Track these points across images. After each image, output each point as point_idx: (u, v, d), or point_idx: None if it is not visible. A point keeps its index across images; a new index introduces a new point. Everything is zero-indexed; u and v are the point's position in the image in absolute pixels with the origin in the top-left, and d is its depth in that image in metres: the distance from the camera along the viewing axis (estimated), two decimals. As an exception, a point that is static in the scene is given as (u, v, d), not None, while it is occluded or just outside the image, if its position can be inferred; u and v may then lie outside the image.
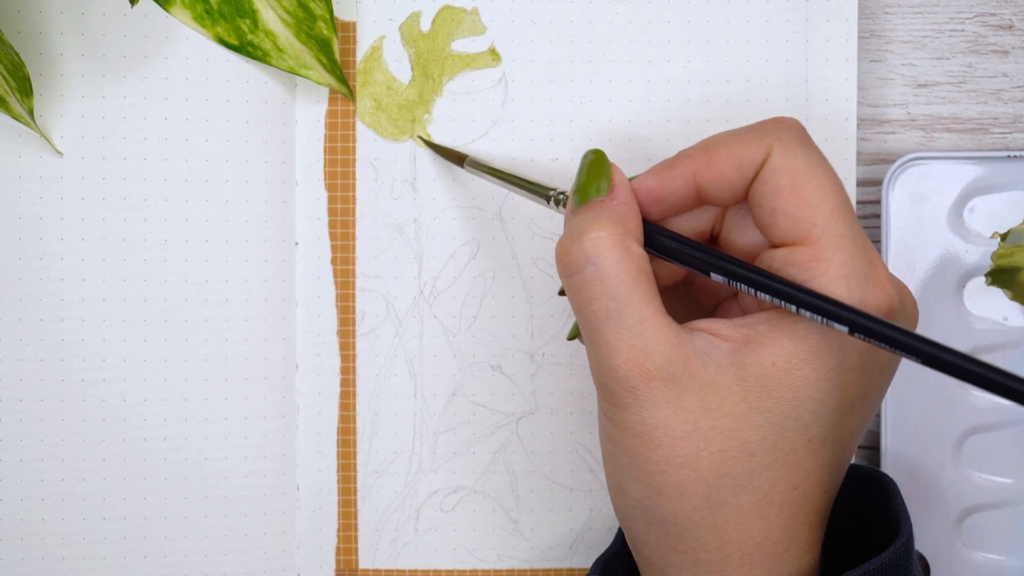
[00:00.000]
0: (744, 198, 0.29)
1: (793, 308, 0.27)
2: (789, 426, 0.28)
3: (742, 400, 0.27)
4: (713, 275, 0.29)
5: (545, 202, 0.33)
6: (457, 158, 0.38)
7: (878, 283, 0.27)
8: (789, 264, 0.28)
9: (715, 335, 0.28)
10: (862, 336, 0.26)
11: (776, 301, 0.27)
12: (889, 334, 0.26)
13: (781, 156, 0.28)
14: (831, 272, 0.27)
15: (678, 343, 0.28)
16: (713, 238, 0.31)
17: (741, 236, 0.30)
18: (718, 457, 0.28)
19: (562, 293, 0.34)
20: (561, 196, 0.32)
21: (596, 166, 0.30)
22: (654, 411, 0.27)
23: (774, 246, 0.29)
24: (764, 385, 0.27)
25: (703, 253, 0.29)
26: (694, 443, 0.27)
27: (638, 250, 0.28)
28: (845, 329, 0.26)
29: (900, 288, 0.29)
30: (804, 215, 0.27)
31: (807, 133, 0.29)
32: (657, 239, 0.29)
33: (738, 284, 0.28)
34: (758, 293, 0.28)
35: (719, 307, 0.32)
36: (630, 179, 0.30)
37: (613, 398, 0.28)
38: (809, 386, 0.27)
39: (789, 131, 0.29)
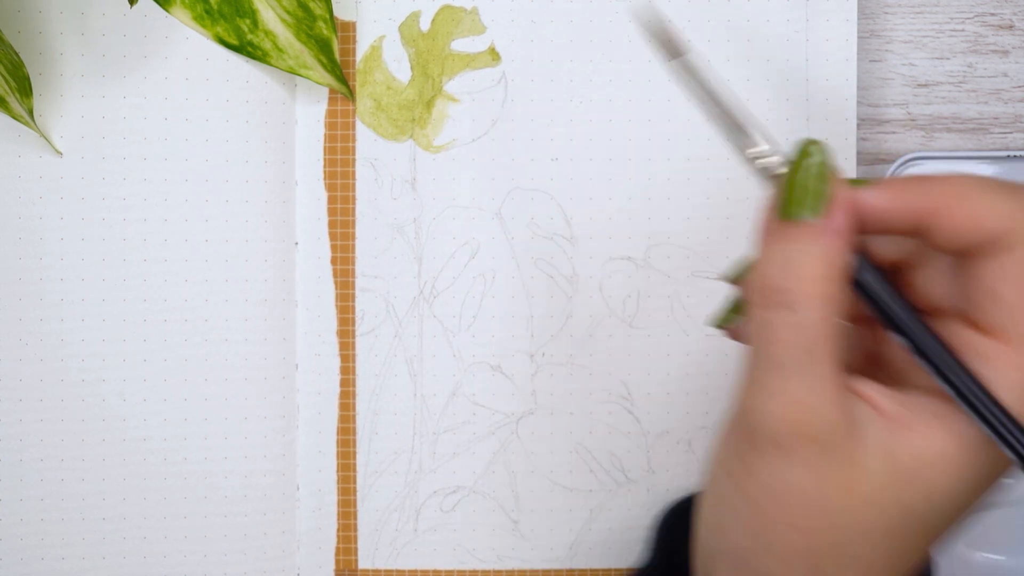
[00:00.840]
0: (955, 254, 0.27)
1: (978, 422, 0.26)
2: (915, 525, 0.27)
3: (880, 488, 0.26)
4: (896, 337, 0.27)
5: (739, 153, 0.29)
6: (672, 50, 0.30)
7: None
8: (976, 353, 0.26)
9: (875, 407, 0.27)
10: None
11: (956, 400, 0.26)
12: None
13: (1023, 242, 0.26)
14: (1011, 379, 0.26)
15: (844, 411, 0.26)
16: (894, 266, 0.29)
17: (927, 282, 0.28)
18: (838, 534, 0.27)
19: (722, 325, 0.30)
20: (761, 161, 0.28)
21: (819, 173, 0.27)
22: (793, 471, 0.26)
23: (966, 322, 0.27)
24: (907, 479, 0.26)
25: (903, 316, 0.27)
26: (819, 516, 0.26)
27: (843, 297, 0.26)
28: (1017, 461, 0.25)
29: None
30: (1017, 312, 0.26)
31: None
32: (862, 277, 0.27)
33: (921, 360, 0.27)
34: (944, 385, 0.26)
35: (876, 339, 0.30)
36: (852, 182, 0.27)
37: (755, 441, 0.27)
38: (949, 490, 0.26)
39: None
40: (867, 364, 0.29)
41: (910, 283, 0.29)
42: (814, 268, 0.26)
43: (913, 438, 0.26)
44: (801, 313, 0.26)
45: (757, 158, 0.28)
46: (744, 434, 0.27)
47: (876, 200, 0.27)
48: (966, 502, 0.27)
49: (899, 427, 0.26)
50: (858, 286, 0.27)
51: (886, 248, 0.29)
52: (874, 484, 0.26)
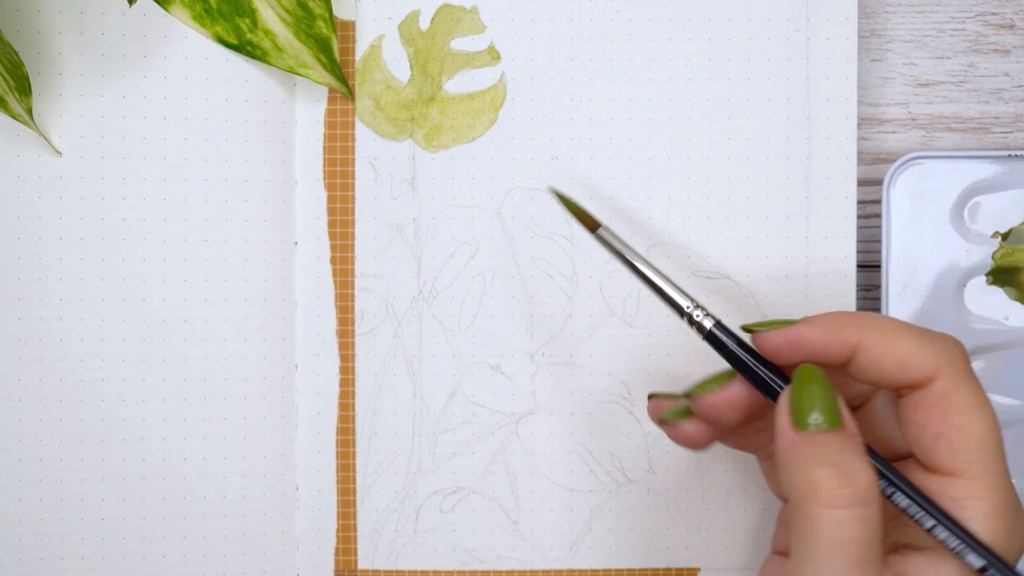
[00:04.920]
0: (880, 391, 0.30)
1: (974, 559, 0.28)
2: None
3: None
4: (898, 502, 0.29)
5: (679, 315, 0.32)
6: (591, 224, 0.34)
7: (1022, 524, 0.29)
8: (945, 496, 0.29)
9: None
10: None
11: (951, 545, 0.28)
12: None
13: (953, 384, 0.29)
14: (985, 511, 0.28)
15: None
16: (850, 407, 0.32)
17: (880, 428, 0.31)
18: None
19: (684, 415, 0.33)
20: (699, 315, 0.31)
21: (820, 387, 0.29)
22: None
23: (924, 467, 0.29)
24: None
25: (902, 486, 0.29)
26: None
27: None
28: None
29: None
30: (969, 451, 0.28)
31: (969, 361, 0.30)
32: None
33: (918, 516, 0.29)
34: (942, 535, 0.28)
35: None
36: (772, 325, 0.30)
37: None
38: None
39: (962, 360, 0.29)
40: None
41: (863, 428, 0.31)
42: (869, 467, 0.28)
43: None
44: (871, 509, 0.28)
45: (692, 316, 0.31)
46: None
47: (811, 333, 0.30)
48: None
49: None
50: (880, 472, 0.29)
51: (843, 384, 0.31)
52: None
